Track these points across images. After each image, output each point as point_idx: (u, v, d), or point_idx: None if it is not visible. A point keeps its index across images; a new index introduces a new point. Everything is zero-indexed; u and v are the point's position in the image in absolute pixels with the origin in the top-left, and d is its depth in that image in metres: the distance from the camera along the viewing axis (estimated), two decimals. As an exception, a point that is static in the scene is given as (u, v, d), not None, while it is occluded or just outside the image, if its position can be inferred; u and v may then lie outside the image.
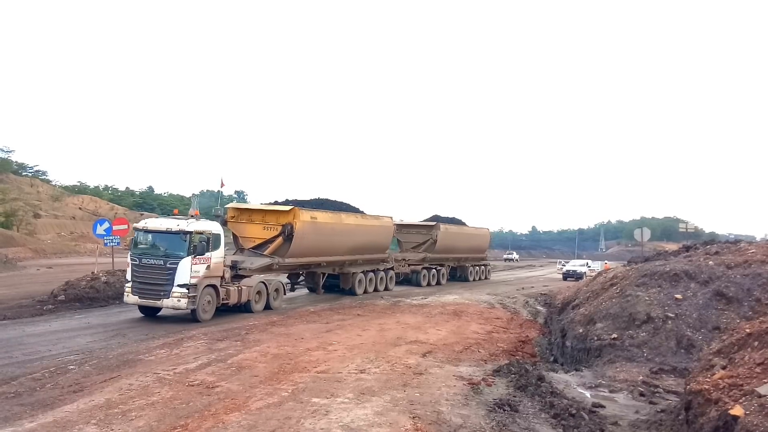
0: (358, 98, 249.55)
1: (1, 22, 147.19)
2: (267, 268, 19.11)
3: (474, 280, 36.07)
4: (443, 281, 32.33)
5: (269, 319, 16.31)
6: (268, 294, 18.24)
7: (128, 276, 15.66)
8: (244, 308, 17.29)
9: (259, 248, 19.73)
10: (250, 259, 18.93)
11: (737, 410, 5.66)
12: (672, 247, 45.59)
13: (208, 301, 15.86)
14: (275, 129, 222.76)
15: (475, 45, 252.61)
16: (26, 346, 12.01)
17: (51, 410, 7.90)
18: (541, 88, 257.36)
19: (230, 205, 22.34)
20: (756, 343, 6.84)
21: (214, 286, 16.03)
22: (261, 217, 20.37)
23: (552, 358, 14.17)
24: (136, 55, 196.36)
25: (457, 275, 35.47)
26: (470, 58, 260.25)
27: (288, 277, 22.38)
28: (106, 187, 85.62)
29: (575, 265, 44.48)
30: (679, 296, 13.31)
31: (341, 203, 24.75)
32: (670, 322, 12.46)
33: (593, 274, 29.61)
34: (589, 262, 47.47)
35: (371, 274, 25.05)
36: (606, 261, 52.75)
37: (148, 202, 79.54)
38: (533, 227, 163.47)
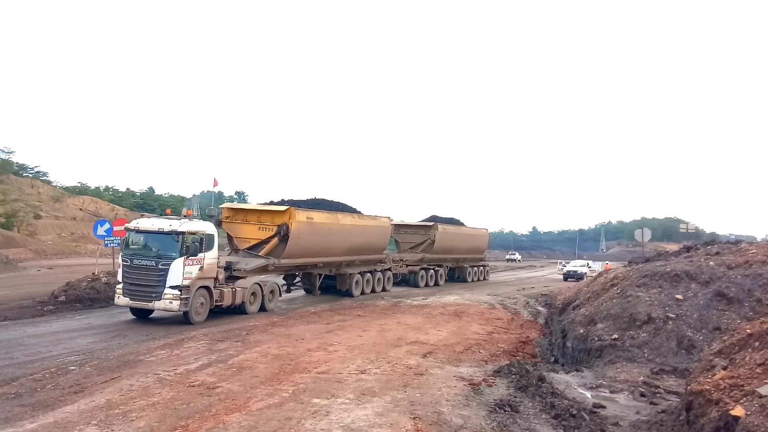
0: (356, 97, 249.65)
1: (1, 23, 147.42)
2: (262, 269, 18.84)
3: (472, 280, 35.93)
4: (441, 282, 32.19)
5: (270, 320, 16.31)
6: (263, 295, 18.03)
7: (119, 277, 15.42)
8: (238, 310, 17.06)
9: (254, 249, 19.45)
10: (245, 260, 18.67)
11: (738, 411, 5.66)
12: (673, 247, 45.56)
13: (201, 303, 15.60)
14: (274, 129, 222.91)
15: (474, 43, 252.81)
16: (27, 346, 12.01)
17: (52, 411, 7.91)
18: (541, 88, 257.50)
19: (225, 205, 22.02)
20: (757, 344, 6.83)
21: (207, 288, 15.77)
22: (256, 217, 20.10)
23: (553, 359, 14.17)
24: (136, 57, 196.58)
25: (456, 276, 35.33)
26: (470, 57, 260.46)
27: (284, 279, 22.18)
28: (107, 188, 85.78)
29: (576, 265, 44.48)
30: (679, 297, 13.31)
31: (338, 203, 24.44)
32: (670, 322, 12.46)
33: (594, 274, 29.62)
34: (590, 262, 47.45)
35: (368, 275, 24.78)
36: (607, 261, 52.75)
37: (148, 203, 79.53)
38: (534, 228, 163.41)
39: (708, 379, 6.68)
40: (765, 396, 5.66)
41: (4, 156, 64.05)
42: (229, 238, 20.26)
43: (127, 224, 16.77)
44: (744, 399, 5.85)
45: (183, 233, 15.01)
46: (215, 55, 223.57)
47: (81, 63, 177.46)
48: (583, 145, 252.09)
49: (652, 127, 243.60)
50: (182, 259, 14.86)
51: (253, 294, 17.70)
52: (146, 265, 14.97)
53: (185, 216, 16.41)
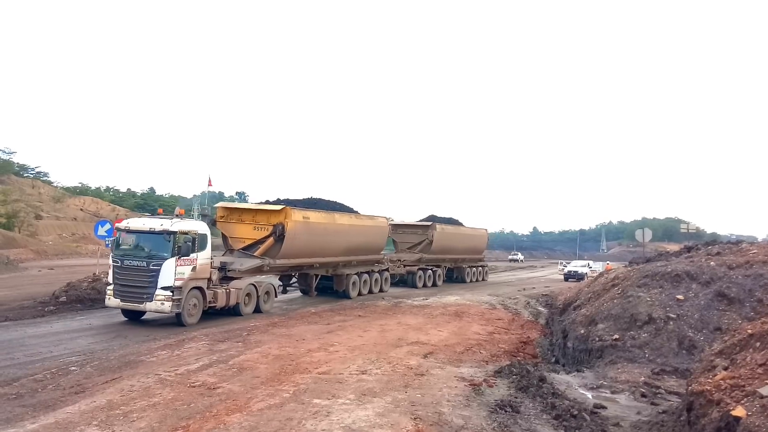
0: (354, 96, 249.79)
1: (2, 23, 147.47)
2: (257, 270, 18.57)
3: (471, 281, 35.75)
4: (439, 282, 32.02)
5: (270, 321, 16.30)
6: (258, 296, 17.74)
7: (110, 278, 15.17)
8: (232, 311, 16.77)
9: (249, 249, 19.10)
10: (240, 261, 18.37)
11: (739, 411, 5.65)
12: (673, 247, 45.51)
13: (194, 305, 15.31)
14: (274, 129, 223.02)
15: (474, 42, 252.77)
16: (28, 347, 12.02)
17: (52, 411, 7.91)
18: (542, 88, 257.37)
19: (220, 204, 21.70)
20: (758, 344, 6.83)
21: (200, 289, 15.47)
22: (251, 216, 19.77)
23: (553, 359, 14.15)
24: (136, 57, 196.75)
25: (454, 276, 35.16)
26: (470, 56, 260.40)
27: (280, 279, 21.87)
28: (108, 189, 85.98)
29: (576, 265, 44.48)
30: (680, 297, 13.30)
31: (335, 203, 24.13)
32: (671, 322, 12.45)
33: (594, 274, 29.60)
34: (591, 262, 47.45)
35: (365, 276, 24.49)
36: (607, 262, 52.71)
37: (149, 203, 79.62)
38: (534, 228, 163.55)
39: (709, 380, 6.68)
40: (766, 396, 5.66)
41: (5, 156, 64.29)
42: (224, 238, 19.93)
43: (117, 224, 16.44)
44: (745, 399, 5.85)
45: (174, 233, 14.69)
46: (215, 56, 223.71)
47: (82, 64, 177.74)
48: (584, 146, 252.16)
49: (653, 127, 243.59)
50: (174, 259, 14.56)
51: (248, 295, 17.43)
52: (137, 266, 14.68)
53: (177, 215, 16.10)
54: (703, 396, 6.46)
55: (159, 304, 14.48)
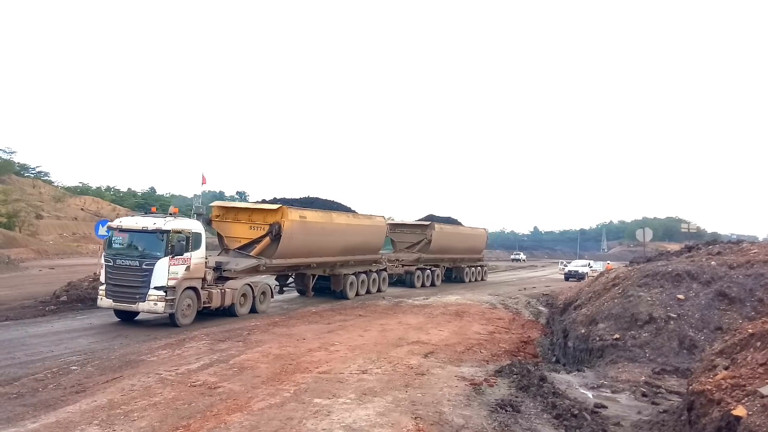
0: (352, 94, 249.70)
1: (2, 23, 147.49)
2: (253, 270, 18.32)
3: (470, 281, 35.54)
4: (438, 282, 31.84)
5: (271, 320, 16.31)
6: (254, 297, 17.50)
7: (102, 278, 14.92)
8: (228, 312, 16.54)
9: (245, 249, 18.89)
10: (236, 260, 18.13)
11: (740, 411, 5.65)
12: (674, 247, 45.53)
13: (188, 305, 15.05)
14: (272, 128, 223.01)
15: (474, 41, 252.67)
16: (28, 346, 12.03)
17: (53, 411, 7.92)
18: (542, 87, 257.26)
19: (215, 203, 21.45)
20: (758, 344, 6.82)
21: (194, 289, 15.22)
22: (247, 216, 19.47)
23: (554, 359, 14.16)
24: (137, 57, 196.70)
25: (453, 276, 34.97)
26: (470, 55, 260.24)
27: (276, 279, 21.74)
28: (108, 188, 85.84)
29: (577, 265, 44.45)
30: (681, 296, 13.29)
31: (332, 202, 23.83)
32: (672, 322, 12.45)
33: (595, 274, 29.60)
34: (591, 262, 47.43)
35: (363, 276, 24.23)
36: (608, 261, 52.76)
37: (150, 203, 79.58)
38: (535, 227, 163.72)
39: (710, 379, 6.68)
40: (767, 396, 5.66)
41: (5, 156, 64.12)
42: (220, 237, 19.72)
43: (109, 223, 16.17)
44: (746, 399, 5.84)
45: (168, 232, 14.42)
46: (215, 56, 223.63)
47: (82, 63, 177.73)
48: (585, 145, 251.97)
49: (654, 127, 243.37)
50: (167, 258, 14.30)
51: (244, 295, 17.19)
52: (130, 266, 14.41)
53: (171, 214, 15.85)
54: (704, 395, 6.46)
55: (152, 305, 14.21)
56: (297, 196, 22.70)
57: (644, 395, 9.67)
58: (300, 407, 8.14)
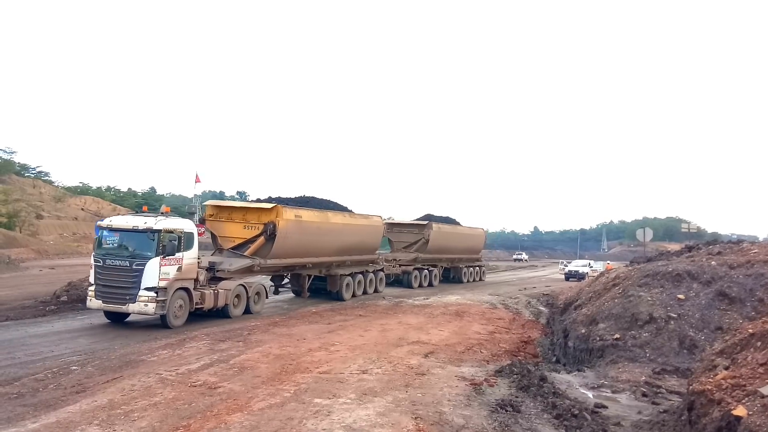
0: (350, 93, 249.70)
1: (2, 23, 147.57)
2: (247, 270, 18.03)
3: (468, 281, 35.37)
4: (435, 282, 31.64)
5: (271, 320, 16.31)
6: (248, 298, 17.23)
7: (91, 278, 14.57)
8: (221, 313, 16.29)
9: (239, 248, 18.57)
10: (229, 260, 17.82)
11: (740, 411, 5.65)
12: (674, 247, 45.51)
13: (180, 306, 14.76)
14: (270, 127, 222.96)
15: (474, 40, 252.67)
16: (29, 346, 12.03)
17: (54, 411, 7.92)
18: (542, 87, 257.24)
19: (209, 202, 21.11)
20: (759, 344, 6.82)
21: (186, 290, 14.93)
22: (241, 215, 19.16)
23: (554, 359, 14.16)
24: (137, 57, 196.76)
25: (451, 276, 34.81)
26: (469, 55, 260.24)
27: (272, 280, 21.47)
28: (109, 188, 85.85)
29: (577, 265, 44.47)
30: (681, 296, 13.29)
31: (328, 201, 23.50)
32: (672, 322, 12.44)
33: (595, 274, 29.59)
34: (591, 262, 47.48)
35: (360, 276, 23.88)
36: (608, 261, 52.78)
37: (150, 203, 79.60)
38: (535, 227, 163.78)
39: (710, 379, 6.67)
40: (767, 396, 5.65)
41: (6, 156, 64.11)
42: (213, 237, 19.39)
43: (99, 222, 15.78)
44: (746, 399, 5.84)
45: (159, 231, 14.14)
46: (215, 56, 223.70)
47: (83, 63, 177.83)
48: (585, 145, 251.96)
49: (654, 127, 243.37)
50: (158, 258, 14.00)
51: (238, 296, 16.91)
52: (120, 266, 14.09)
53: (162, 213, 15.51)
54: (704, 395, 6.46)
55: (142, 306, 13.92)
56: (290, 195, 22.37)
57: (644, 395, 9.67)
58: (300, 407, 8.14)
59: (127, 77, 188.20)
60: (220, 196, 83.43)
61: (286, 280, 22.16)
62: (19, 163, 67.89)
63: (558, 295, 25.80)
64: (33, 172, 70.88)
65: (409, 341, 13.90)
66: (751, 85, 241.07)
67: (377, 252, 26.83)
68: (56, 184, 72.96)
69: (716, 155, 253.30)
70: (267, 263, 18.63)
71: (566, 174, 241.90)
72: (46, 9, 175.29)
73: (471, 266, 36.77)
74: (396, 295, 24.47)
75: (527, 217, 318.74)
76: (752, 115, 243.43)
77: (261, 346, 12.45)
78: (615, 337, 12.68)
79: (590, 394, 9.82)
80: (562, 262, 56.53)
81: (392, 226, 31.46)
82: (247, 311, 17.28)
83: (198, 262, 15.63)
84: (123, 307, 14.19)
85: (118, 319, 15.20)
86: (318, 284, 22.39)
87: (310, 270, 21.58)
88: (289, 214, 19.14)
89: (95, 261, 14.49)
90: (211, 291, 15.92)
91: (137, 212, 16.98)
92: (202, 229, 19.22)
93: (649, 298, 13.48)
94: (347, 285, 22.94)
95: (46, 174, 73.48)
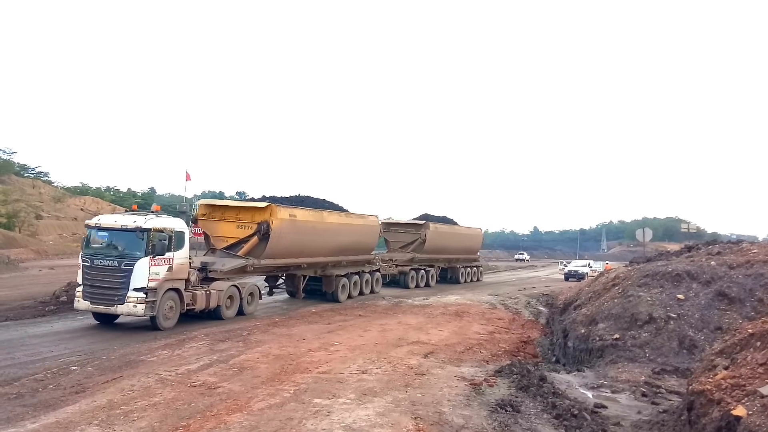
0: (347, 91, 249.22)
1: (2, 23, 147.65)
2: (241, 270, 17.60)
3: (465, 281, 35.20)
4: (432, 283, 31.43)
5: (271, 320, 16.31)
6: (241, 299, 16.85)
7: (79, 279, 14.21)
8: (213, 314, 15.94)
9: (232, 248, 18.18)
10: (222, 261, 17.44)
11: (740, 411, 5.66)
12: (674, 247, 45.52)
13: (171, 307, 14.42)
14: (269, 127, 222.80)
15: (473, 39, 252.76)
16: (28, 347, 12.03)
17: (53, 411, 7.92)
18: (542, 87, 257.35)
19: (201, 201, 20.77)
20: (758, 344, 6.83)
21: (177, 290, 14.58)
22: (235, 214, 18.78)
23: (554, 359, 14.17)
24: (136, 57, 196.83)
25: (449, 277, 34.66)
26: (468, 53, 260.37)
27: (266, 280, 21.06)
28: (108, 188, 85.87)
29: (577, 265, 44.46)
30: (681, 296, 13.30)
31: (323, 201, 23.06)
32: (672, 322, 12.45)
33: (595, 274, 29.60)
34: (591, 262, 47.43)
35: (356, 277, 23.41)
36: (608, 261, 52.72)
37: (150, 203, 79.48)
38: (535, 227, 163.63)
39: (709, 379, 6.68)
40: (767, 396, 5.66)
41: (5, 156, 64.10)
42: (206, 236, 18.96)
43: (87, 221, 15.38)
44: (745, 399, 5.85)
45: (148, 230, 13.80)
46: (214, 57, 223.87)
47: (82, 63, 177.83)
48: (584, 145, 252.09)
49: (653, 127, 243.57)
50: (148, 258, 13.67)
51: (230, 297, 16.53)
52: (108, 266, 13.75)
53: (152, 212, 15.16)
54: (704, 395, 6.46)
55: (131, 307, 13.58)
56: (284, 194, 21.98)
57: (644, 395, 9.68)
58: (300, 407, 8.15)
59: (127, 77, 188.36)
60: (220, 196, 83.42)
61: (280, 281, 21.80)
62: (18, 163, 67.94)
63: (557, 295, 25.81)
64: (32, 172, 70.91)
65: (408, 341, 13.90)
66: (751, 85, 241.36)
67: (374, 252, 26.56)
68: (56, 184, 73.00)
69: (716, 155, 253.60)
70: (261, 263, 18.28)
71: (566, 174, 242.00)
72: (45, 9, 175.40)
73: (468, 266, 36.61)
74: (395, 296, 24.45)
75: (527, 217, 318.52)
76: (752, 115, 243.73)
77: (261, 347, 12.46)
78: (614, 337, 12.69)
79: (590, 394, 9.82)
80: (562, 262, 56.53)
81: (389, 226, 31.28)
82: (240, 312, 16.95)
83: (189, 262, 15.33)
84: (111, 308, 13.85)
85: (106, 321, 14.89)
86: (313, 285, 22.02)
87: (305, 270, 21.16)
88: (283, 213, 18.79)
89: (83, 261, 14.16)
90: (203, 292, 15.56)
91: (127, 210, 16.60)
92: (199, 229, 19.20)
93: (649, 298, 13.50)
94: (343, 286, 22.55)
95: (46, 174, 73.55)
